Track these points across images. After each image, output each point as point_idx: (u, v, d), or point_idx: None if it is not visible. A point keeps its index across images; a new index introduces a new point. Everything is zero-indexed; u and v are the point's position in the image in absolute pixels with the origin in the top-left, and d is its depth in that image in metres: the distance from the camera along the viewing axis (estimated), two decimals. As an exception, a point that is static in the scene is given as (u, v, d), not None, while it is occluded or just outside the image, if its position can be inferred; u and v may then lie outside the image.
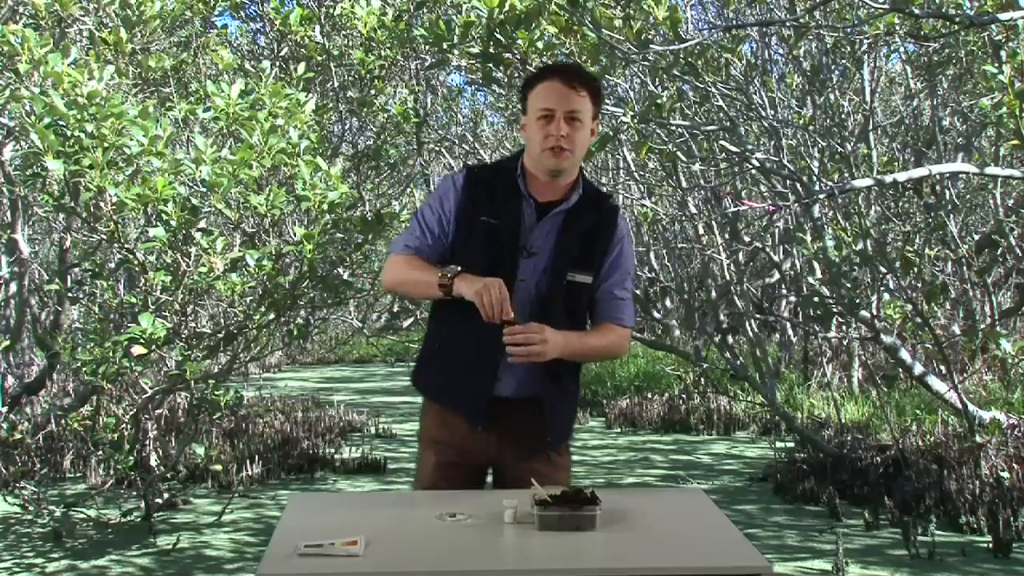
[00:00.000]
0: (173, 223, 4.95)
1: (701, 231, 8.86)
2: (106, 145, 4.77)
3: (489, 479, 2.94)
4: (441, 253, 2.81)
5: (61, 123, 4.76)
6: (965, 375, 7.66)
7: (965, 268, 8.00)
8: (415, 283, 2.84)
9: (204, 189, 5.01)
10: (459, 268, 2.69)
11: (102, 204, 5.02)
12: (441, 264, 2.77)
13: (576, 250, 2.79)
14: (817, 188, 5.78)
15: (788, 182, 6.40)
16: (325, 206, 5.17)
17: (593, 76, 2.92)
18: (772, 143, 6.57)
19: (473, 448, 2.82)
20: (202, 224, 5.30)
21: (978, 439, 5.95)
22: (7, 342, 7.64)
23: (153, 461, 6.03)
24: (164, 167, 4.87)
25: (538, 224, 2.78)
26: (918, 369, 6.52)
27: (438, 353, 2.87)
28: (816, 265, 7.18)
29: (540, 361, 2.67)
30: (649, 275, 10.78)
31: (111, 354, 5.02)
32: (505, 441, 2.80)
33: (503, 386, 2.77)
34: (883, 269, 6.31)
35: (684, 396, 9.21)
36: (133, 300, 5.41)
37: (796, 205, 6.18)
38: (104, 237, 5.29)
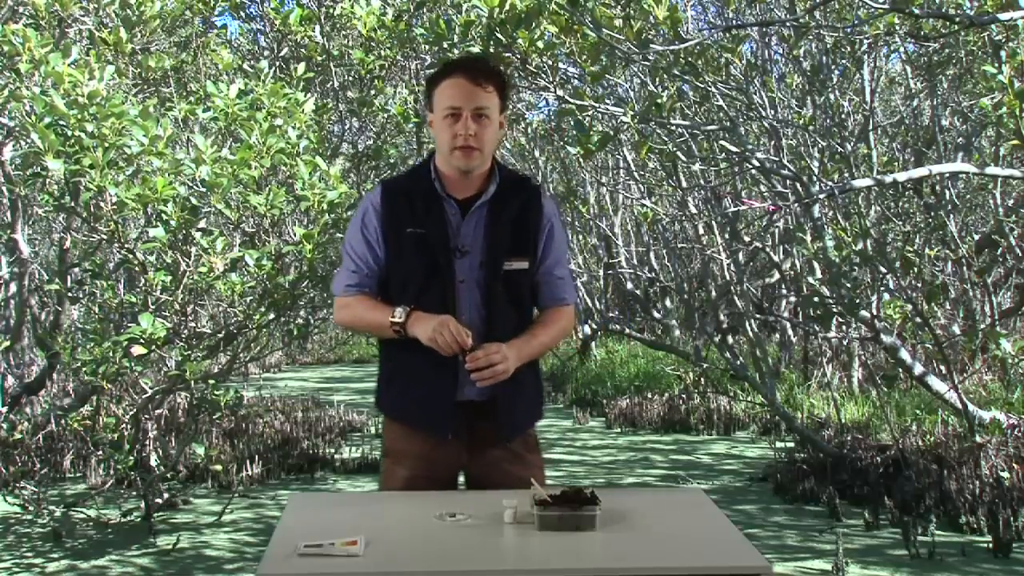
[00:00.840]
0: (173, 223, 4.95)
1: (701, 231, 8.86)
2: (106, 145, 4.77)
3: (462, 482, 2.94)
4: (381, 276, 2.81)
5: (62, 123, 4.76)
6: (965, 375, 7.66)
7: (965, 268, 8.00)
8: (367, 326, 2.86)
9: (204, 189, 5.01)
10: (408, 309, 2.68)
11: (102, 204, 5.02)
12: (383, 291, 2.79)
13: (507, 238, 2.77)
14: (817, 188, 5.78)
15: (788, 182, 6.40)
16: (325, 206, 5.17)
17: (498, 69, 2.89)
18: (772, 143, 6.57)
19: (441, 459, 2.80)
20: (202, 224, 5.30)
21: (978, 439, 5.95)
22: (7, 342, 7.64)
23: (153, 461, 6.04)
24: (164, 167, 4.87)
25: (464, 221, 2.76)
26: (918, 369, 6.52)
27: (396, 373, 2.85)
28: (816, 265, 7.18)
29: (503, 378, 2.67)
30: (649, 275, 10.78)
31: (111, 354, 5.02)
32: (474, 446, 2.80)
33: (465, 391, 2.75)
34: (883, 269, 6.30)
35: (684, 396, 9.21)
36: (133, 300, 5.41)
37: (796, 205, 6.18)
38: (104, 237, 5.29)
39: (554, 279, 2.85)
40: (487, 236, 2.75)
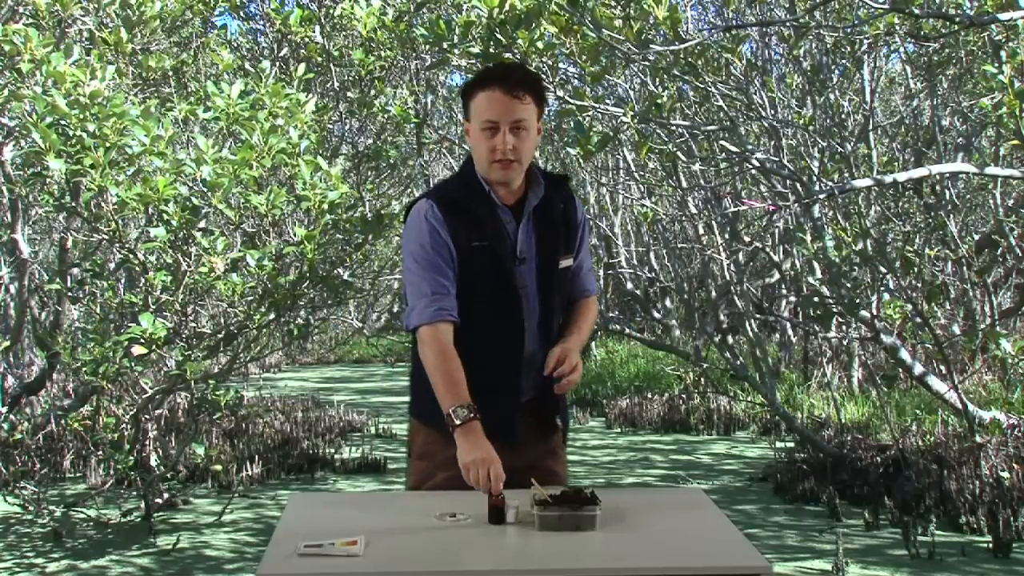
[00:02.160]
0: (174, 223, 4.95)
1: (701, 231, 8.85)
2: (108, 145, 4.77)
3: None
4: (459, 292, 2.72)
5: (63, 122, 4.76)
6: (965, 375, 7.66)
7: (965, 268, 8.00)
8: (432, 379, 2.65)
9: (205, 189, 5.01)
10: (471, 416, 2.54)
11: (103, 204, 5.02)
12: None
13: (557, 240, 2.79)
14: (817, 188, 5.78)
15: (788, 182, 6.40)
16: (325, 206, 5.18)
17: (535, 76, 2.84)
18: (772, 143, 6.56)
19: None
20: (202, 224, 5.30)
21: (978, 439, 5.95)
22: (7, 342, 7.64)
23: (153, 461, 6.04)
24: (165, 167, 4.87)
25: (519, 228, 2.75)
26: (918, 369, 6.52)
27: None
28: (816, 265, 7.18)
29: (580, 382, 2.72)
30: (649, 275, 10.77)
31: (111, 354, 5.02)
32: (517, 445, 2.76)
33: (523, 390, 2.77)
34: (883, 269, 6.30)
35: (684, 396, 9.21)
36: (133, 300, 5.41)
37: (796, 205, 6.18)
38: (106, 237, 5.29)
39: (584, 272, 2.90)
40: (540, 241, 2.77)
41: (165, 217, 4.95)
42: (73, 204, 5.37)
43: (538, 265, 2.76)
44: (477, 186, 2.74)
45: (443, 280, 2.66)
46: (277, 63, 6.90)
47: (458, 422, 2.54)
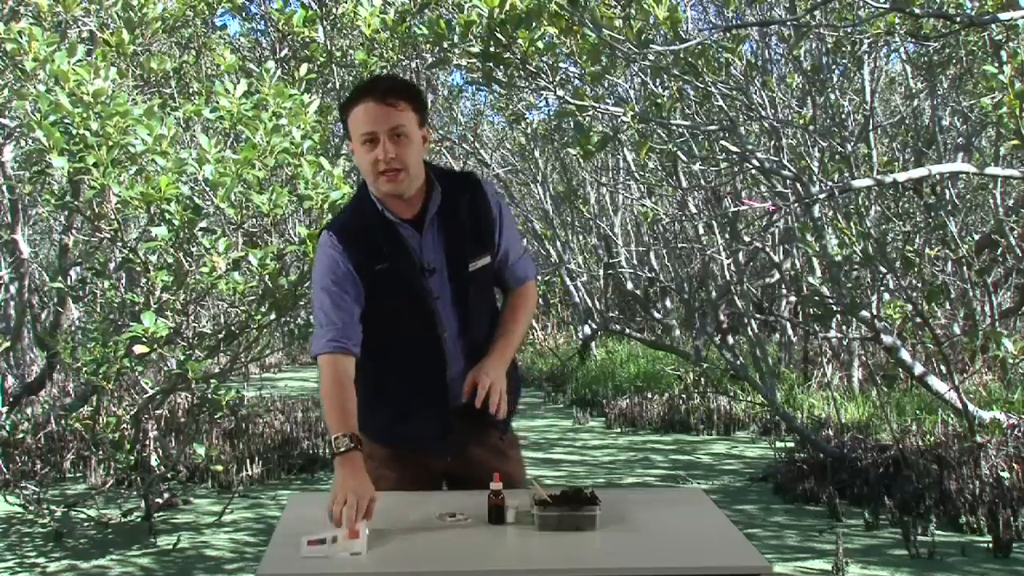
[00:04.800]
0: (176, 222, 4.96)
1: (701, 231, 8.86)
2: (110, 143, 4.78)
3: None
4: (365, 319, 2.70)
5: (66, 121, 4.77)
6: (965, 375, 7.66)
7: (965, 268, 8.00)
8: (328, 415, 2.66)
9: (207, 188, 5.01)
10: (351, 445, 2.53)
11: (105, 203, 5.03)
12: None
13: (466, 242, 2.75)
14: (817, 188, 5.78)
15: (788, 182, 6.40)
16: (327, 206, 5.18)
17: (408, 84, 2.78)
18: (772, 143, 6.57)
19: (429, 461, 2.83)
20: (204, 224, 5.30)
21: (978, 439, 5.96)
22: (7, 343, 7.65)
23: (153, 461, 6.04)
24: (168, 166, 4.87)
25: (422, 239, 2.72)
26: (918, 369, 6.52)
27: (379, 404, 2.77)
28: (816, 265, 7.18)
29: (503, 399, 2.68)
30: (649, 275, 10.78)
31: (112, 354, 5.02)
32: (458, 447, 2.81)
33: (453, 402, 2.76)
34: (883, 269, 6.31)
35: (684, 396, 9.20)
36: (135, 300, 5.41)
37: (796, 205, 6.19)
38: (108, 236, 5.29)
39: (514, 260, 2.86)
40: (447, 247, 2.73)
41: (167, 216, 4.95)
42: (75, 203, 5.37)
43: (449, 271, 2.73)
44: (371, 208, 2.72)
45: (343, 312, 2.65)
46: (278, 64, 6.90)
47: (341, 449, 2.53)
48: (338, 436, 2.55)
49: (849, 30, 6.57)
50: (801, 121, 6.77)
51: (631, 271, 11.07)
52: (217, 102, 5.14)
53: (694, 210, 8.49)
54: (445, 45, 5.35)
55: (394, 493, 2.78)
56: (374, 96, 2.63)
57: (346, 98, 2.74)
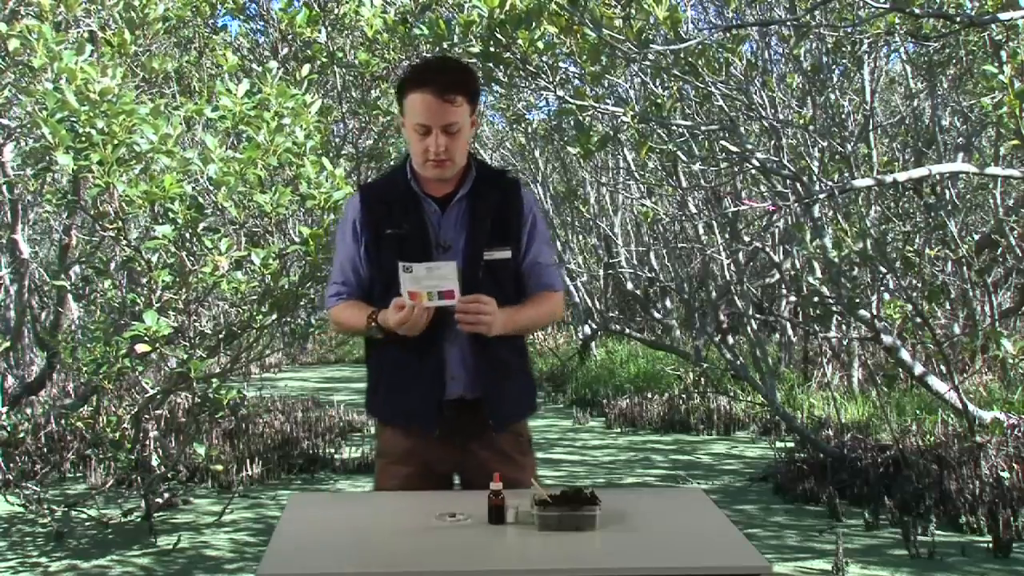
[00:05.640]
0: (179, 221, 4.96)
1: (701, 231, 8.86)
2: (116, 142, 4.78)
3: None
4: (368, 282, 2.84)
5: (72, 119, 4.77)
6: (965, 375, 7.66)
7: (965, 268, 8.00)
8: (354, 329, 2.88)
9: (211, 188, 5.01)
10: (376, 311, 2.74)
11: (108, 201, 5.03)
12: (368, 297, 2.83)
13: (488, 230, 2.78)
14: (817, 188, 5.78)
15: (788, 182, 6.40)
16: (329, 205, 5.18)
17: (467, 75, 2.81)
18: (772, 143, 6.56)
19: (435, 459, 2.82)
20: (206, 223, 5.30)
21: (978, 439, 5.96)
22: (7, 343, 7.65)
23: (154, 461, 6.04)
24: (173, 165, 4.88)
25: (443, 217, 2.78)
26: (918, 369, 6.52)
27: (383, 377, 2.87)
28: (816, 265, 7.18)
29: (486, 334, 2.69)
30: (649, 275, 10.78)
31: (114, 354, 5.02)
32: (468, 448, 2.81)
33: (452, 386, 2.77)
34: (883, 269, 6.31)
35: (684, 396, 9.20)
36: (137, 299, 5.41)
37: (796, 205, 6.18)
38: (110, 234, 5.29)
39: (540, 267, 2.87)
40: (468, 228, 2.77)
41: (171, 215, 4.95)
42: (78, 201, 5.38)
43: (464, 253, 2.76)
44: (402, 179, 2.82)
45: (346, 271, 2.86)
46: (280, 64, 6.90)
47: (375, 318, 2.73)
48: (368, 317, 2.74)
49: (849, 30, 6.57)
50: (801, 121, 6.77)
51: (631, 271, 11.07)
52: (219, 102, 5.14)
53: (694, 210, 8.49)
54: (445, 45, 5.35)
55: (395, 493, 2.78)
56: (433, 90, 2.68)
57: (405, 76, 2.80)
